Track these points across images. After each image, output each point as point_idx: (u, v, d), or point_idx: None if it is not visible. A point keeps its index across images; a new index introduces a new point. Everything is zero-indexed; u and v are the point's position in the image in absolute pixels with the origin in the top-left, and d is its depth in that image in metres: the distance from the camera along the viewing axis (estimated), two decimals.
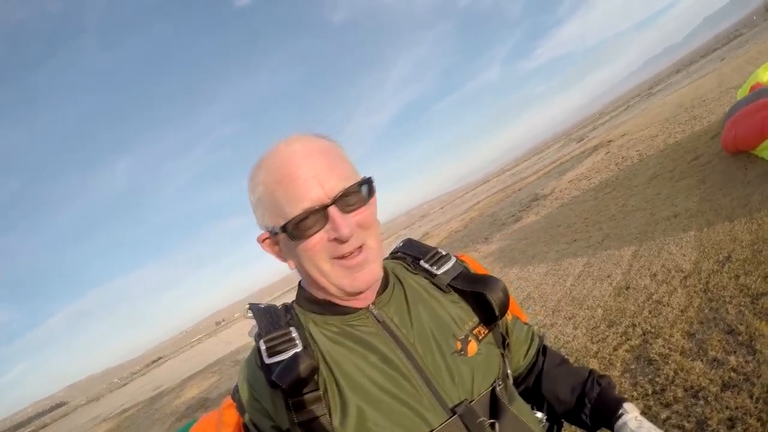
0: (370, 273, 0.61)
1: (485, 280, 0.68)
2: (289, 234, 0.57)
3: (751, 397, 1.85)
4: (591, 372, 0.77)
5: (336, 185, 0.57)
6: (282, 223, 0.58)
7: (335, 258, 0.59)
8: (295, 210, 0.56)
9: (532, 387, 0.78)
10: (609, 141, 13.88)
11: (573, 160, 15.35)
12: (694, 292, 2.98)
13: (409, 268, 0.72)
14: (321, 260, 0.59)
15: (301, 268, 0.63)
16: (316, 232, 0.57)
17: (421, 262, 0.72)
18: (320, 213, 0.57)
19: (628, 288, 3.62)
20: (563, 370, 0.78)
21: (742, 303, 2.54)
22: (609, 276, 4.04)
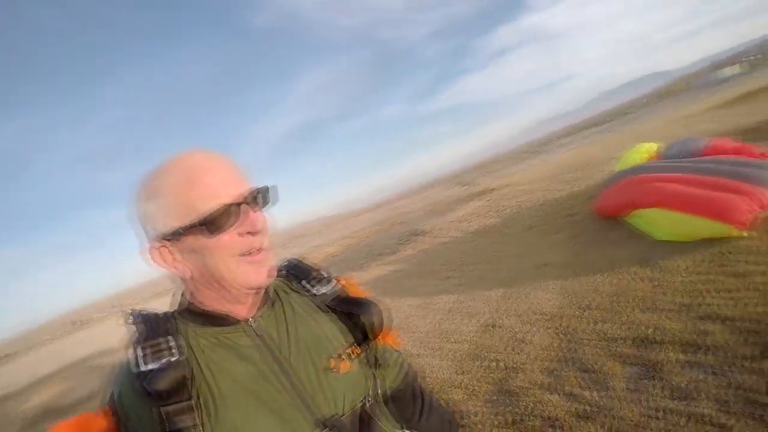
0: (272, 270, 0.97)
1: (362, 303, 1.14)
2: (208, 227, 0.87)
3: (602, 426, 3.03)
4: (453, 416, 1.30)
5: (246, 186, 0.92)
6: (195, 220, 0.87)
7: (243, 255, 0.91)
8: (211, 205, 0.87)
9: (396, 411, 1.21)
10: (493, 189, 18.99)
11: (456, 202, 20.43)
12: (555, 333, 4.54)
13: (291, 286, 1.10)
14: (230, 256, 0.90)
15: (203, 270, 0.92)
16: (230, 227, 0.89)
17: (303, 282, 1.10)
18: (235, 209, 0.89)
19: (494, 326, 5.22)
20: (428, 405, 1.18)
21: (599, 345, 4.04)
22: (477, 314, 5.79)
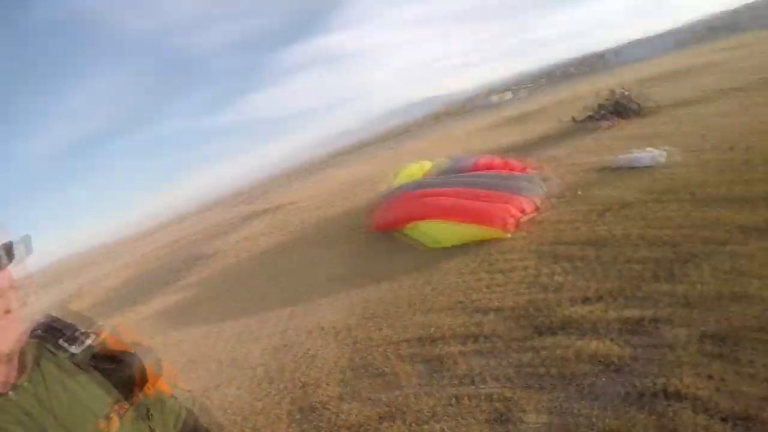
0: (22, 335, 0.98)
1: (122, 357, 1.22)
2: None
3: (404, 423, 3.49)
4: None
5: None
6: None
7: None
8: None
9: None
10: (278, 206, 20.90)
11: (242, 220, 21.83)
12: (345, 344, 5.03)
13: (49, 347, 1.16)
14: None
15: None
16: None
17: (60, 341, 1.17)
18: None
19: (286, 345, 5.56)
20: None
21: (387, 350, 4.60)
22: (268, 335, 6.10)
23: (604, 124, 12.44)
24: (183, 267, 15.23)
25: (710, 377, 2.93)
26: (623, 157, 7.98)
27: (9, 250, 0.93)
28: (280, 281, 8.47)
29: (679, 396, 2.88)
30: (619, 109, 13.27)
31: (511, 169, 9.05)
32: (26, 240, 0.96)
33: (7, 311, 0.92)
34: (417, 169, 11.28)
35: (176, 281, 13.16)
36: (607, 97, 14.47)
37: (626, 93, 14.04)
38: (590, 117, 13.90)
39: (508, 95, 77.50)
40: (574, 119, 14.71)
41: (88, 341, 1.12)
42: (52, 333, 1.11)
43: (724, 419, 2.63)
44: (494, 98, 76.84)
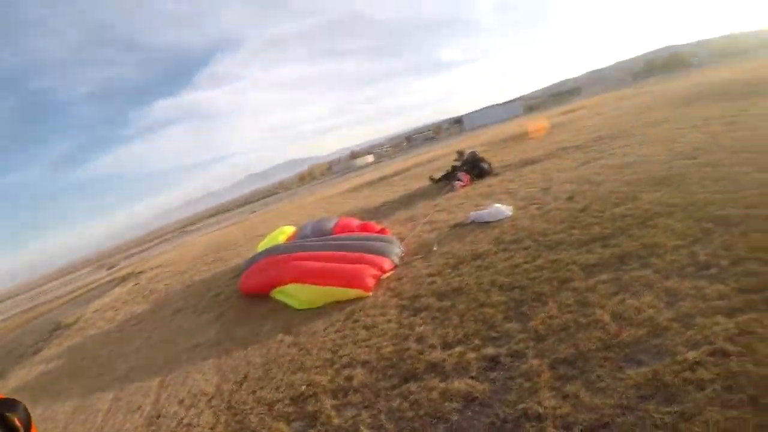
0: None
1: (7, 403, 1.32)
2: None
3: None
4: None
5: None
6: None
7: None
8: None
9: None
10: (139, 272, 20.44)
11: (101, 287, 21.03)
12: (220, 410, 4.94)
13: None
14: None
15: None
16: None
17: None
18: None
19: (159, 417, 5.31)
20: None
21: (262, 411, 4.59)
22: (139, 407, 5.79)
23: (458, 183, 13.33)
24: (40, 338, 14.32)
25: (566, 397, 3.25)
26: (474, 214, 8.64)
27: None
28: (147, 351, 8.16)
29: (539, 417, 3.16)
30: (470, 168, 14.34)
31: (370, 231, 9.47)
32: None
33: None
34: (281, 234, 11.48)
35: (33, 354, 12.33)
36: (455, 158, 15.76)
37: (474, 153, 15.32)
38: (445, 176, 14.91)
39: (370, 158, 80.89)
40: (431, 179, 15.77)
41: None
42: None
43: (584, 431, 2.94)
44: (358, 161, 79.77)
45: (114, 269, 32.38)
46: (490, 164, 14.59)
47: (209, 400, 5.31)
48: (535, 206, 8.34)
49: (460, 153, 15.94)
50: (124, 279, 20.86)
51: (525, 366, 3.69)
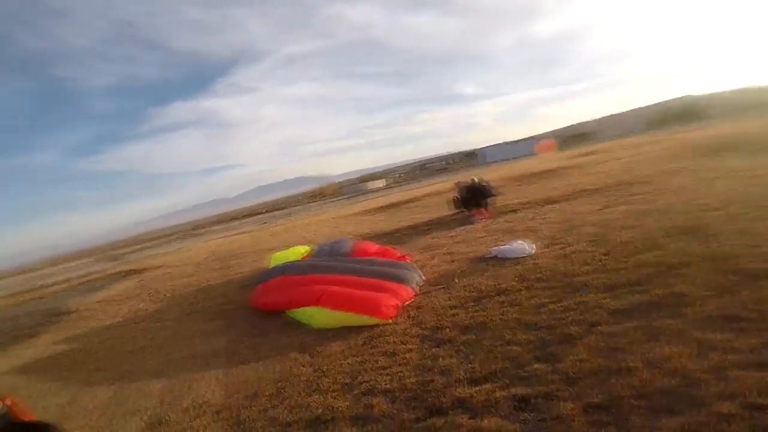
0: None
1: (38, 427, 1.56)
2: None
3: None
4: None
5: None
6: None
7: None
8: None
9: None
10: (144, 269, 20.59)
11: (105, 279, 21.09)
12: (228, 425, 4.69)
13: None
14: None
15: None
16: None
17: None
18: None
19: (161, 423, 5.09)
20: None
21: None
22: (140, 410, 5.57)
23: (477, 217, 13.32)
24: (37, 322, 14.26)
25: None
26: (496, 249, 8.56)
27: None
28: (151, 352, 7.96)
29: None
30: (476, 195, 14.49)
31: (389, 257, 9.40)
32: None
33: None
34: (292, 253, 11.49)
35: (30, 337, 12.27)
36: (461, 185, 15.64)
37: (482, 182, 15.37)
38: (464, 202, 14.88)
39: (382, 183, 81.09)
40: (451, 206, 15.57)
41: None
42: None
43: None
44: (369, 185, 79.99)
45: (119, 262, 32.67)
46: (489, 185, 14.84)
47: (216, 413, 5.13)
48: (558, 246, 8.26)
49: (460, 184, 15.80)
50: (128, 274, 20.96)
51: (557, 409, 3.57)
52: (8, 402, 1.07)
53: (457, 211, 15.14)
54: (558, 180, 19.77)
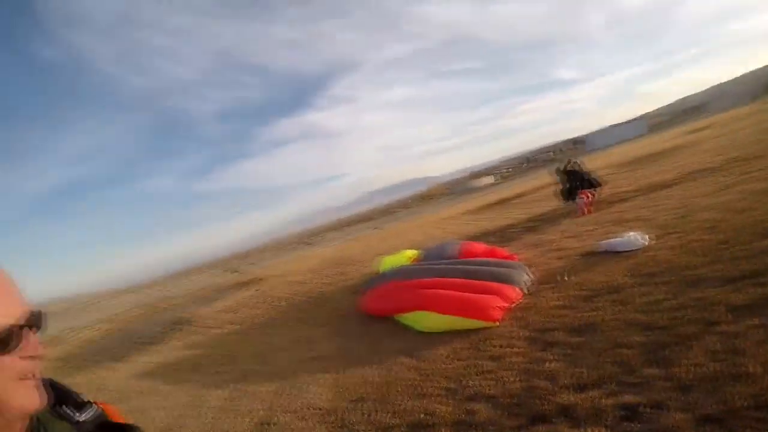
0: (46, 396, 1.07)
1: (128, 428, 1.25)
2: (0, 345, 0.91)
3: None
4: None
5: (25, 306, 0.97)
6: None
7: (22, 379, 0.94)
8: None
9: None
10: (261, 279, 21.47)
11: (225, 290, 22.25)
12: (333, 428, 4.85)
13: (51, 413, 1.16)
14: (10, 379, 0.92)
15: None
16: (14, 349, 0.92)
17: (64, 407, 1.19)
18: (17, 331, 0.93)
19: (269, 424, 5.37)
20: None
21: None
22: (251, 411, 5.91)
23: (581, 201, 12.89)
24: (163, 330, 15.36)
25: None
26: (606, 242, 8.09)
27: (41, 317, 0.99)
28: (265, 356, 8.39)
29: None
30: (579, 180, 13.95)
31: (497, 257, 9.18)
32: (45, 315, 1.01)
33: (35, 375, 0.98)
34: (401, 257, 11.56)
35: (156, 343, 13.27)
36: (559, 171, 15.17)
37: (578, 163, 14.86)
38: (568, 192, 14.36)
39: (490, 179, 79.60)
40: (559, 197, 14.99)
41: (91, 410, 1.13)
42: (55, 397, 1.11)
43: None
44: (476, 182, 78.86)
45: (238, 273, 34.26)
46: (591, 174, 14.19)
47: (323, 416, 5.28)
48: (674, 236, 7.62)
49: (558, 170, 15.26)
50: (247, 284, 21.84)
51: (667, 420, 3.28)
52: (102, 406, 1.13)
53: (566, 203, 14.52)
54: (669, 161, 18.22)
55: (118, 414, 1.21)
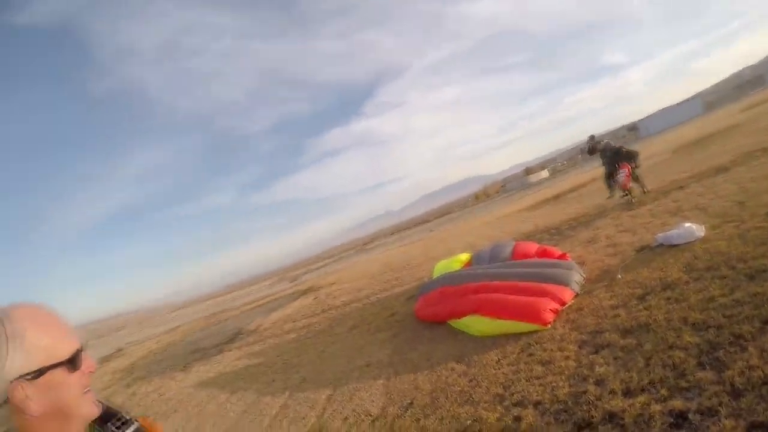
0: (97, 409, 1.25)
1: None
2: (72, 364, 1.13)
3: None
4: None
5: (76, 335, 1.18)
6: (60, 360, 1.11)
7: (84, 392, 1.16)
8: (70, 347, 1.14)
9: None
10: (319, 287, 22.10)
11: (282, 299, 23.14)
12: None
13: (99, 429, 1.31)
14: (78, 392, 1.13)
15: (56, 405, 1.10)
16: (81, 367, 1.15)
17: (109, 425, 1.33)
18: (79, 353, 1.15)
19: (320, 430, 5.55)
20: None
21: None
22: (304, 418, 6.14)
23: (621, 177, 12.81)
24: (223, 340, 16.11)
25: None
26: (661, 236, 7.76)
27: (85, 341, 1.21)
28: (320, 364, 8.60)
29: None
30: (617, 156, 13.68)
31: (549, 257, 8.98)
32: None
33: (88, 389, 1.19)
34: (454, 262, 11.48)
35: (216, 354, 13.86)
36: (587, 142, 15.24)
37: (607, 141, 14.60)
38: (609, 176, 14.05)
39: (545, 173, 77.87)
40: (612, 188, 14.45)
41: (133, 427, 1.30)
42: (101, 415, 1.28)
43: None
44: (531, 177, 77.33)
45: (295, 282, 35.31)
46: (623, 148, 13.87)
47: (372, 422, 5.41)
48: (732, 225, 7.23)
49: (592, 138, 15.05)
50: (304, 293, 22.49)
51: (716, 427, 3.12)
52: (143, 422, 1.27)
53: (610, 192, 14.14)
54: (728, 142, 17.34)
55: (159, 429, 1.38)
